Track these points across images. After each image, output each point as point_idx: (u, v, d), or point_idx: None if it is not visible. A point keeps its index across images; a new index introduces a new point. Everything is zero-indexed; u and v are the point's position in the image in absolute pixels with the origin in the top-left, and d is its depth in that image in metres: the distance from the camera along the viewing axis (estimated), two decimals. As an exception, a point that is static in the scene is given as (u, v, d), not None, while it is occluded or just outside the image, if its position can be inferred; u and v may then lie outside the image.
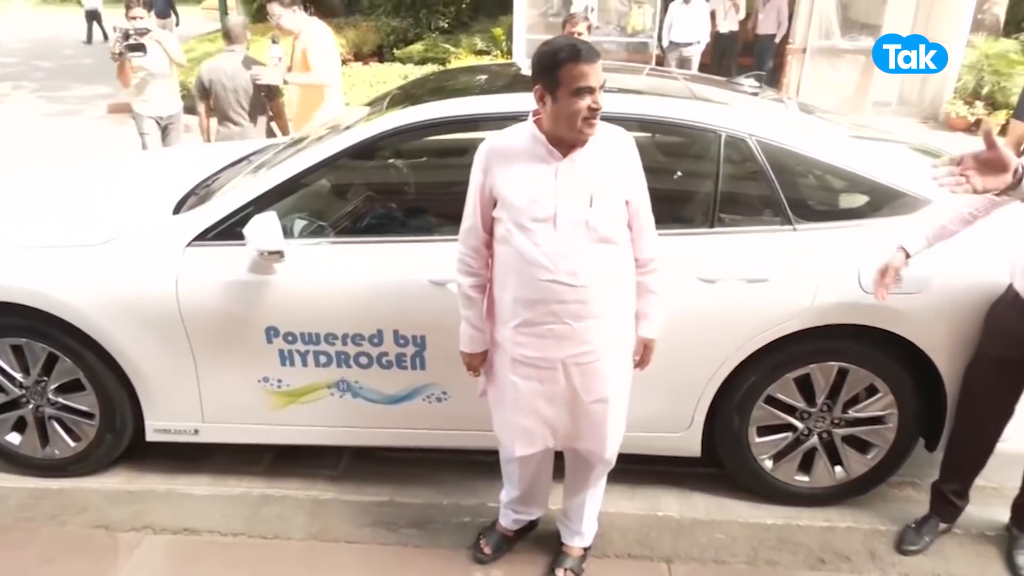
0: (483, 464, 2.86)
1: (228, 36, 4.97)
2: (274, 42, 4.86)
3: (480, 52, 10.95)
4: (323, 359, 2.66)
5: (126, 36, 5.11)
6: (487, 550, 2.56)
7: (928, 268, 2.46)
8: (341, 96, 5.00)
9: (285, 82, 4.83)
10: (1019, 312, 2.31)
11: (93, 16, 18.00)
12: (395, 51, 11.54)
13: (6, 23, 22.70)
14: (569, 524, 2.52)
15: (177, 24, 15.32)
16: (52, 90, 11.93)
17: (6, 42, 17.76)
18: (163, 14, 14.92)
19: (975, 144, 1.86)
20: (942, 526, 2.68)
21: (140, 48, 5.14)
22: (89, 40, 17.93)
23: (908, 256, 2.34)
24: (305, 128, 4.50)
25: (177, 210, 2.87)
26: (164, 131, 5.66)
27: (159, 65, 5.37)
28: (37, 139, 8.47)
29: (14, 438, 2.90)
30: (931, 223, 2.35)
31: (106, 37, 6.02)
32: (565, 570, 2.48)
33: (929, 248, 2.34)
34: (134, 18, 5.18)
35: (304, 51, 4.62)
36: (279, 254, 2.49)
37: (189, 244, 2.64)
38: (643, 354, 2.29)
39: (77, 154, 5.67)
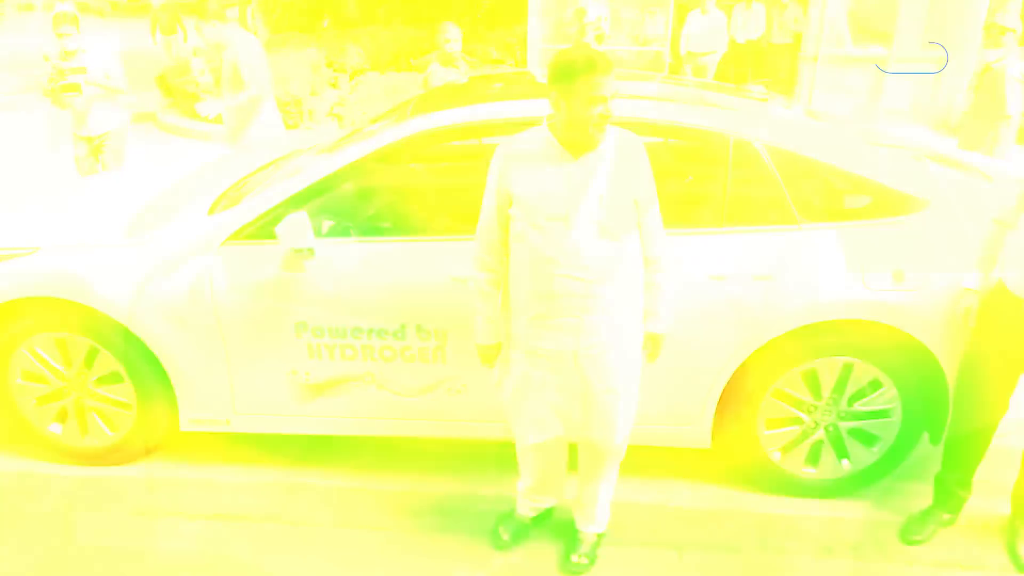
0: (501, 455, 2.93)
1: None
2: (195, 56, 4.87)
3: (495, 61, 11.08)
4: (349, 352, 2.78)
5: (63, 76, 5.01)
6: (506, 536, 2.66)
7: (928, 265, 2.56)
8: (274, 106, 4.96)
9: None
10: (1007, 304, 2.39)
11: None
12: (412, 60, 11.68)
13: (29, 35, 23.11)
14: (583, 511, 2.61)
15: (185, 40, 15.30)
16: (77, 100, 12.14)
17: (31, 53, 18.06)
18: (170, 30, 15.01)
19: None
20: (946, 517, 2.74)
21: (75, 89, 5.07)
22: None
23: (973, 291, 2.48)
24: (244, 142, 4.49)
25: (211, 211, 3.00)
26: (96, 150, 5.44)
27: (94, 90, 5.20)
28: (65, 148, 8.68)
29: (56, 428, 3.04)
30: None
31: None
32: (580, 555, 2.57)
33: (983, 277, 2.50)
34: (63, 35, 5.00)
35: (233, 64, 4.57)
36: (310, 251, 2.62)
37: (223, 243, 2.77)
38: (652, 349, 2.38)
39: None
